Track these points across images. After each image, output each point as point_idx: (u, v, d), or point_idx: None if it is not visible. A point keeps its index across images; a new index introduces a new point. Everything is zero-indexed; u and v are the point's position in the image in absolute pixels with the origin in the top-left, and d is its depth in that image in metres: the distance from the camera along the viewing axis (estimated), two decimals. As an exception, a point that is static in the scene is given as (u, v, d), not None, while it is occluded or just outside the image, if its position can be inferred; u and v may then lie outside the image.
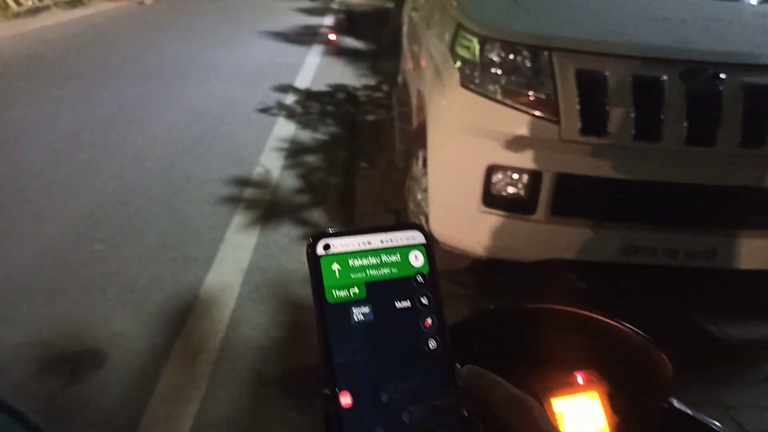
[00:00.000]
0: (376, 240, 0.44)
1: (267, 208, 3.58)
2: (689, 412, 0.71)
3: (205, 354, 2.37)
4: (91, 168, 4.03)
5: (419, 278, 0.44)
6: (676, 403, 0.71)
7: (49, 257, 2.99)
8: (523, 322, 0.76)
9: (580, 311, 0.73)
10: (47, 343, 2.39)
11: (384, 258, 0.43)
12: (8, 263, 2.93)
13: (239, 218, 3.43)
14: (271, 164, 4.20)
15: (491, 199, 2.47)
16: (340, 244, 0.42)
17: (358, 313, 0.41)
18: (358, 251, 0.43)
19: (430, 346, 0.42)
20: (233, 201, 3.63)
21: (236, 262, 2.99)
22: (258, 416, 2.09)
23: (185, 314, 2.61)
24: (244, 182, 3.90)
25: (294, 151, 4.47)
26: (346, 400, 0.39)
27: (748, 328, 2.70)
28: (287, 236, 3.25)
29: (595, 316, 0.72)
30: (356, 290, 0.42)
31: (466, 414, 0.42)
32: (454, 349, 0.43)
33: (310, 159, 4.38)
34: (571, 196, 2.41)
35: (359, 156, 4.44)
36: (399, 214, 3.25)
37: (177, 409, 2.10)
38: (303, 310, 2.64)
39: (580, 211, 2.45)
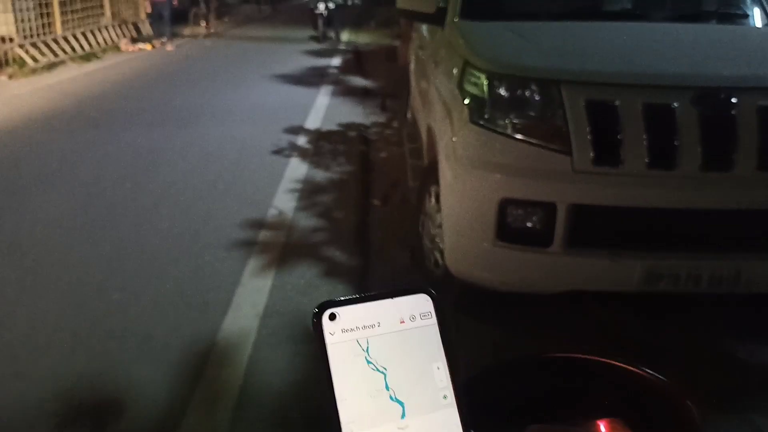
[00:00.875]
0: (383, 307, 0.43)
1: (282, 250, 3.59)
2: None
3: (225, 400, 2.35)
4: (110, 216, 4.08)
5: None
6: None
7: (69, 309, 3.01)
8: (542, 372, 0.74)
9: (603, 360, 0.71)
10: (67, 398, 2.38)
11: (389, 320, 0.43)
12: (29, 317, 2.95)
13: (255, 261, 3.44)
14: (284, 206, 4.22)
15: (506, 233, 2.45)
16: (346, 311, 0.42)
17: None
18: (362, 314, 0.42)
19: (442, 403, 0.42)
20: (248, 244, 3.65)
21: (253, 306, 2.98)
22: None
23: (204, 361, 2.59)
24: (258, 225, 3.92)
25: (307, 192, 4.50)
26: None
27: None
28: (303, 278, 3.25)
29: (617, 364, 0.70)
30: (361, 348, 0.42)
31: None
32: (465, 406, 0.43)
33: (324, 198, 4.40)
34: (588, 227, 2.39)
35: (372, 193, 4.46)
36: (414, 251, 3.24)
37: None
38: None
39: (597, 242, 2.42)
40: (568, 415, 0.71)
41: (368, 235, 3.78)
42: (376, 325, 0.42)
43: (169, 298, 3.08)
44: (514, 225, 2.46)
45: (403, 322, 0.43)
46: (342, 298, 0.42)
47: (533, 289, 2.55)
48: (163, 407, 2.33)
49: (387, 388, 0.41)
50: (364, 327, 0.42)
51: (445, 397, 0.42)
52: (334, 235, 3.78)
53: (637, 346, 0.74)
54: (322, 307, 0.42)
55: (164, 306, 3.01)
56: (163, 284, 3.21)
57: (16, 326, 2.86)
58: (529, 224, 2.44)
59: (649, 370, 0.69)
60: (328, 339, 0.41)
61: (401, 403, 0.41)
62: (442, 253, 2.75)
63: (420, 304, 0.44)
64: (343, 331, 0.42)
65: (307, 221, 4.01)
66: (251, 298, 3.05)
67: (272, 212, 4.13)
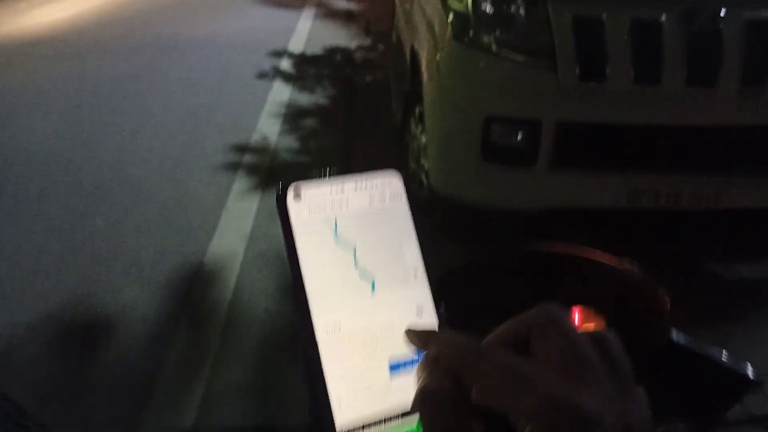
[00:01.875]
0: (351, 186, 0.42)
1: (266, 173, 3.57)
2: (690, 345, 0.71)
3: (214, 320, 2.39)
4: (90, 144, 4.01)
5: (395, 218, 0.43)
6: (675, 336, 0.71)
7: (54, 235, 3.00)
8: (517, 267, 0.75)
9: (575, 252, 0.72)
10: (57, 317, 2.42)
11: (357, 199, 0.42)
12: (14, 242, 2.94)
13: (239, 185, 3.42)
14: (268, 130, 4.16)
15: (491, 151, 2.44)
16: (311, 191, 0.41)
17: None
18: (330, 195, 0.41)
19: (411, 282, 0.42)
20: (232, 169, 3.62)
21: (239, 229, 2.99)
22: (269, 379, 2.11)
23: (191, 282, 2.62)
24: (242, 149, 3.88)
25: (291, 116, 4.43)
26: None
27: (756, 268, 2.70)
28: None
29: (590, 256, 0.72)
30: (329, 233, 0.41)
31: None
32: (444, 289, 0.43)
33: (308, 122, 4.34)
34: (572, 145, 2.38)
35: (356, 117, 4.40)
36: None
37: (188, 376, 2.13)
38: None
39: (581, 159, 2.43)
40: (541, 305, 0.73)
41: (352, 159, 3.75)
42: (344, 204, 0.41)
43: (154, 222, 3.07)
44: (499, 143, 2.44)
45: (372, 201, 0.42)
46: (307, 179, 0.41)
47: (518, 208, 2.57)
48: (153, 327, 2.37)
49: (356, 265, 0.41)
50: (332, 206, 0.41)
51: (415, 274, 0.42)
52: (318, 159, 3.75)
53: (603, 254, 0.75)
54: (286, 186, 0.40)
55: (149, 231, 3.00)
56: (147, 209, 3.19)
57: (1, 252, 2.86)
58: (514, 142, 2.43)
59: (621, 260, 0.70)
60: (294, 219, 0.40)
61: (371, 279, 0.41)
62: (427, 174, 2.74)
63: (389, 184, 0.43)
64: (310, 211, 0.41)
65: (291, 145, 3.96)
66: (237, 222, 3.06)
67: (256, 137, 4.07)
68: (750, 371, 0.67)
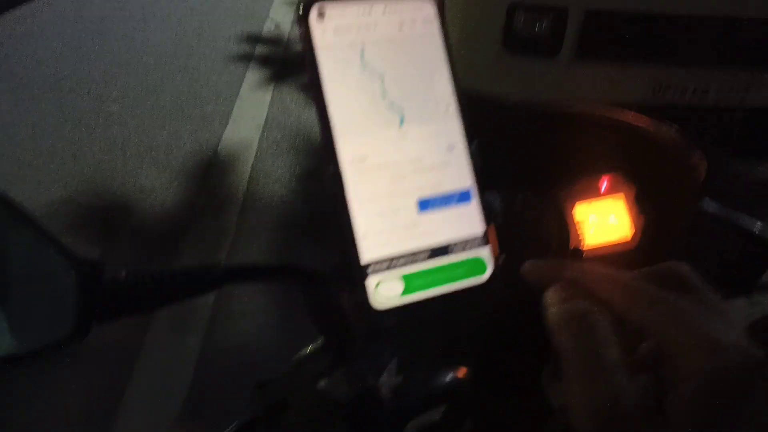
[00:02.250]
0: (380, 8, 0.38)
1: (281, 63, 3.47)
2: (722, 213, 0.68)
3: (230, 205, 2.41)
4: (99, 30, 3.89)
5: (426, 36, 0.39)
6: (707, 204, 0.68)
7: (69, 120, 2.98)
8: (546, 125, 0.71)
9: (606, 112, 0.68)
10: (75, 201, 2.44)
11: (385, 17, 0.38)
12: (29, 127, 2.93)
13: (253, 75, 3.34)
14: (282, 18, 4.01)
15: (513, 40, 2.33)
16: (336, 12, 0.37)
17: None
18: (357, 14, 0.38)
19: (442, 109, 0.39)
20: (246, 58, 3.52)
21: (253, 118, 2.95)
22: (285, 258, 2.15)
23: (207, 170, 2.62)
24: (255, 38, 3.75)
25: (306, 4, 4.25)
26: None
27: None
28: (303, 91, 3.17)
29: (624, 115, 0.68)
30: (354, 53, 0.37)
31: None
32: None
33: (324, 11, 4.16)
34: (599, 35, 2.27)
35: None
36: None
37: (207, 259, 2.16)
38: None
39: (607, 51, 2.32)
40: (570, 172, 0.70)
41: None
42: (372, 28, 0.38)
43: (167, 110, 3.03)
44: (523, 32, 2.33)
45: (403, 26, 0.39)
46: None
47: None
48: (170, 211, 2.39)
49: (384, 94, 0.38)
50: (359, 29, 0.37)
51: (447, 107, 0.39)
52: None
53: (639, 113, 0.70)
54: (309, 3, 0.36)
55: (163, 118, 2.97)
56: (160, 97, 3.14)
57: (17, 136, 2.85)
58: (538, 31, 2.32)
59: (658, 119, 0.67)
60: (317, 41, 0.37)
61: (399, 110, 0.38)
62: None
63: (421, 9, 0.39)
64: (335, 32, 0.37)
65: (305, 34, 3.82)
66: (251, 111, 3.01)
67: (269, 25, 3.93)
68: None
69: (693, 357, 0.28)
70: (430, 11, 0.40)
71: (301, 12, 0.37)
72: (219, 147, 2.75)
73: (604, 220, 0.69)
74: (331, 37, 0.37)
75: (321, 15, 0.37)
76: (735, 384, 0.28)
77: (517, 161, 0.68)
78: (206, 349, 1.80)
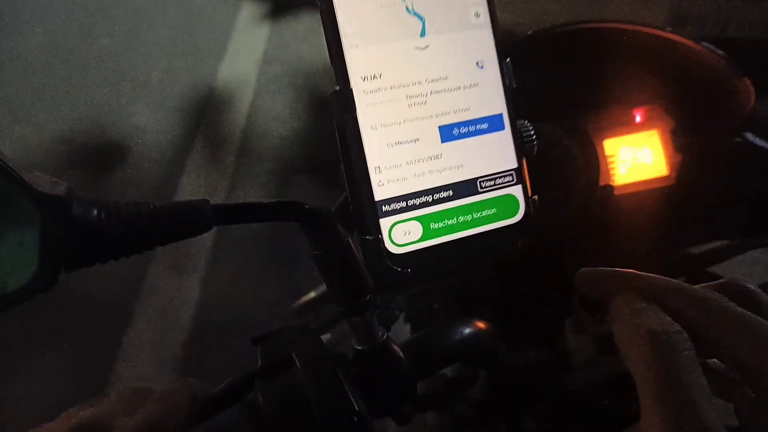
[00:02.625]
0: None
1: (278, -6, 3.32)
2: (766, 147, 0.62)
3: (228, 145, 2.34)
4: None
5: None
6: (751, 137, 0.62)
7: (58, 55, 2.86)
8: (578, 46, 0.64)
9: (647, 29, 0.60)
10: (70, 139, 2.37)
11: None
12: (16, 61, 2.82)
13: (249, 6, 3.20)
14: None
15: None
16: None
17: None
18: None
19: (474, 18, 0.33)
20: (242, -13, 3.37)
21: (251, 53, 2.83)
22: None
23: (203, 107, 2.54)
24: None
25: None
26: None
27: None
28: (301, 23, 3.04)
29: (667, 35, 0.60)
30: None
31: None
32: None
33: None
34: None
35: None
36: None
37: (205, 197, 2.11)
38: (324, 100, 2.55)
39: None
40: (603, 103, 0.63)
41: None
42: None
43: (160, 44, 2.91)
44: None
45: None
46: None
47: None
48: (166, 151, 2.33)
49: None
50: None
51: (477, 14, 0.33)
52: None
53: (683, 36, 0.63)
54: None
55: (156, 53, 2.85)
56: (153, 30, 3.01)
57: (5, 75, 2.75)
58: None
59: (705, 43, 0.59)
60: None
61: (420, 17, 0.31)
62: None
63: None
64: None
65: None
66: (248, 45, 2.89)
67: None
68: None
69: None
70: None
71: None
72: (215, 83, 2.66)
73: (637, 155, 0.63)
74: None
75: None
76: None
77: (539, 88, 0.61)
78: (206, 293, 1.78)
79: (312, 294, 0.61)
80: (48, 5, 3.24)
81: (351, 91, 0.30)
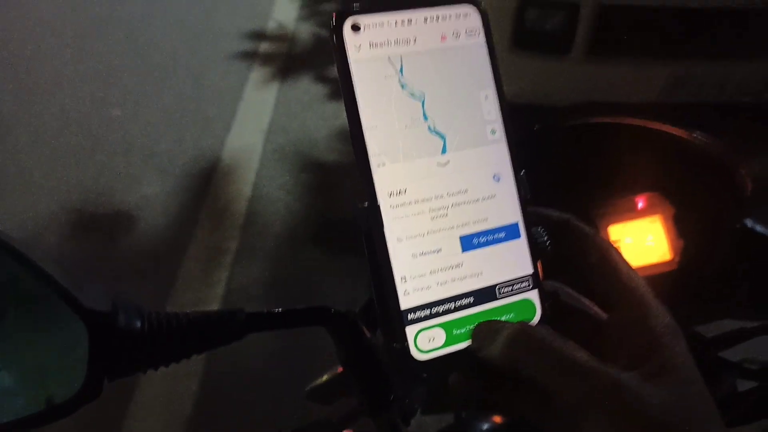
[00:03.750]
0: (419, 18, 0.35)
1: (284, 63, 3.42)
2: (766, 233, 0.64)
3: (234, 214, 2.37)
4: (99, 29, 3.85)
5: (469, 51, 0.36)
6: (750, 223, 0.64)
7: (70, 124, 2.94)
8: (580, 140, 0.67)
9: (648, 124, 0.64)
10: (79, 208, 2.41)
11: (426, 33, 0.35)
12: (30, 131, 2.90)
13: (256, 75, 3.30)
14: (285, 17, 3.96)
15: (523, 38, 2.29)
16: (373, 24, 0.34)
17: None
18: (395, 27, 0.34)
19: (490, 135, 0.36)
20: (249, 58, 3.47)
21: (257, 122, 2.91)
22: (291, 269, 2.11)
23: (210, 176, 2.58)
24: (258, 37, 3.71)
25: (309, 0, 4.21)
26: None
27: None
28: (308, 93, 3.13)
29: (664, 128, 0.64)
30: (392, 74, 0.34)
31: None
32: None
33: (326, 7, 4.12)
34: (612, 31, 2.22)
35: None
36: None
37: (211, 267, 2.13)
38: (329, 168, 2.60)
39: (620, 48, 2.28)
40: (606, 190, 0.66)
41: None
42: (412, 40, 0.34)
43: (169, 114, 3.00)
44: (533, 29, 2.29)
45: (445, 38, 0.35)
46: (367, 3, 0.34)
47: (550, 101, 2.45)
48: (173, 221, 2.35)
49: (425, 116, 0.34)
50: (397, 42, 0.34)
51: (493, 131, 0.36)
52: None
53: (680, 127, 0.66)
54: (343, 14, 0.33)
55: (165, 122, 2.93)
56: (162, 100, 3.10)
57: (18, 141, 2.82)
58: (548, 27, 2.28)
59: (700, 134, 0.63)
60: (352, 55, 0.33)
61: (441, 136, 0.34)
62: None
63: (465, 17, 0.36)
64: (371, 45, 0.33)
65: (310, 32, 3.78)
66: (255, 114, 2.97)
67: (272, 24, 3.88)
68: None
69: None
70: (475, 20, 0.36)
71: (333, 24, 0.33)
72: (222, 152, 2.71)
73: (641, 241, 0.65)
74: (367, 51, 0.34)
75: (356, 28, 0.33)
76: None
77: (545, 178, 0.64)
78: (211, 367, 1.76)
79: (325, 377, 0.62)
80: (61, 75, 3.34)
81: (378, 207, 0.32)
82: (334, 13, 0.33)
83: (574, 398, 0.29)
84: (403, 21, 0.34)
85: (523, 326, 0.33)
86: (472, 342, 0.33)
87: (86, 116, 2.99)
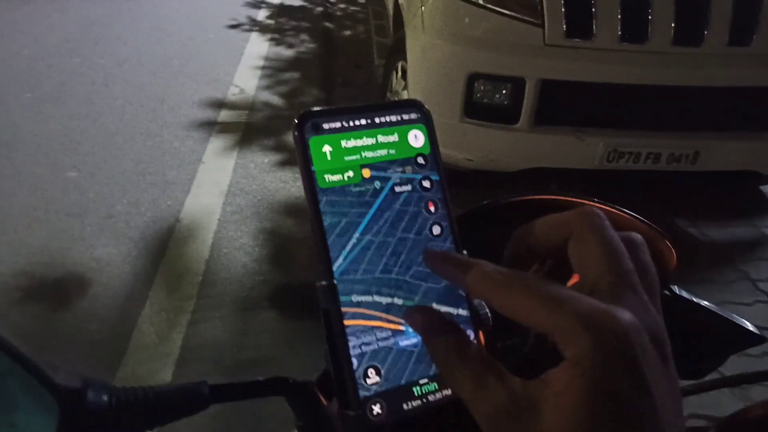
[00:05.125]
0: (371, 118, 0.39)
1: (244, 129, 3.49)
2: (692, 298, 0.70)
3: (191, 276, 2.36)
4: (59, 94, 3.86)
5: (420, 160, 0.40)
6: (677, 290, 0.70)
7: (24, 186, 2.91)
8: (512, 216, 0.73)
9: (578, 200, 0.70)
10: (29, 272, 2.35)
11: (380, 138, 0.39)
12: (-20, 194, 2.84)
13: (216, 140, 3.34)
14: (245, 84, 4.06)
15: (473, 109, 2.42)
16: (331, 123, 0.38)
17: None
18: (351, 131, 0.38)
19: (434, 232, 0.39)
20: (209, 123, 3.53)
21: (216, 184, 2.93)
22: (247, 335, 2.10)
23: (167, 238, 2.57)
24: (219, 104, 3.78)
25: (269, 69, 4.32)
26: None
27: (728, 230, 2.75)
28: (267, 157, 3.18)
29: (593, 204, 0.70)
30: (351, 174, 0.37)
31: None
32: (460, 237, 0.40)
33: (287, 77, 4.24)
34: (555, 103, 2.37)
35: (336, 72, 4.31)
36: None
37: (165, 332, 2.10)
38: (288, 230, 2.63)
39: (563, 119, 2.42)
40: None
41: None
42: (372, 148, 0.39)
43: (127, 176, 2.99)
44: (482, 101, 2.42)
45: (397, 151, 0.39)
46: (325, 108, 0.38)
47: (498, 167, 2.56)
48: (128, 284, 2.32)
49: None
50: (359, 149, 0.38)
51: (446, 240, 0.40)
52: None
53: (608, 204, 0.73)
54: (305, 117, 0.37)
55: (123, 185, 2.93)
56: (121, 163, 3.11)
57: (-32, 204, 2.77)
58: (497, 100, 2.41)
59: (626, 211, 0.69)
60: (314, 157, 0.37)
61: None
62: (408, 130, 2.70)
63: (410, 117, 0.40)
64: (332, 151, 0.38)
65: (269, 100, 3.87)
66: (214, 177, 2.99)
67: (233, 90, 3.97)
68: (752, 326, 0.67)
69: (563, 340, 0.28)
70: (418, 114, 0.40)
71: (297, 122, 0.36)
72: (180, 215, 2.71)
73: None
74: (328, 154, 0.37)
75: (316, 127, 0.37)
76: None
77: (488, 250, 0.69)
78: None
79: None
80: (18, 137, 3.32)
81: (336, 286, 0.36)
82: (296, 117, 0.37)
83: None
84: (356, 121, 0.38)
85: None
86: None
87: (41, 178, 2.97)
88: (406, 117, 0.40)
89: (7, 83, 4.00)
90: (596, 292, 0.30)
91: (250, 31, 5.11)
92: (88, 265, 2.40)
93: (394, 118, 0.39)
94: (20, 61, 4.37)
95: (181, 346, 2.04)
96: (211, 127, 3.48)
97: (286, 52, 4.69)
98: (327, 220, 0.36)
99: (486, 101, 2.43)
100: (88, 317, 2.16)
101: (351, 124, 0.38)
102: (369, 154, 0.38)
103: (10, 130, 3.40)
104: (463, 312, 0.39)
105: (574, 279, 0.35)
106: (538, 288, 0.30)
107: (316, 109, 0.37)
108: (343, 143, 0.38)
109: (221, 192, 2.87)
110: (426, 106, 0.41)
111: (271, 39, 4.95)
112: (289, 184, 2.92)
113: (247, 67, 4.32)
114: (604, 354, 0.27)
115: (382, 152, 0.39)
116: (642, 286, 0.31)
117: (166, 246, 2.53)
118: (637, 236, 0.34)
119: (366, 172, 0.38)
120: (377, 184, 0.38)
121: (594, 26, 2.24)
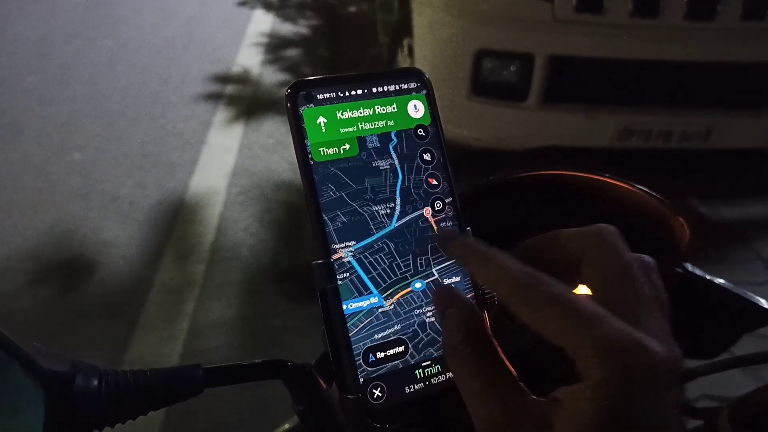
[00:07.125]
0: (369, 88, 0.37)
1: (249, 108, 3.46)
2: (705, 276, 0.68)
3: (197, 257, 2.35)
4: (63, 76, 3.84)
5: (420, 131, 0.38)
6: (690, 267, 0.68)
7: (29, 169, 2.90)
8: (523, 192, 0.70)
9: (589, 175, 0.67)
10: (36, 255, 2.36)
11: (378, 109, 0.36)
12: (-15, 177, 2.84)
13: (221, 120, 3.32)
14: (249, 62, 4.02)
15: (481, 86, 2.38)
16: (326, 94, 0.36)
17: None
18: (347, 102, 0.36)
19: (436, 207, 0.37)
20: (213, 103, 3.50)
21: (221, 165, 2.91)
22: (254, 311, 2.10)
23: (173, 219, 2.57)
24: (222, 81, 3.75)
25: (273, 47, 4.28)
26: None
27: (741, 209, 2.71)
28: (272, 137, 3.16)
29: (604, 179, 0.67)
30: (347, 147, 0.36)
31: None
32: (463, 212, 0.38)
33: (291, 54, 4.19)
34: (565, 80, 2.32)
35: (340, 48, 4.26)
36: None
37: (172, 311, 2.10)
38: (294, 210, 2.61)
39: (573, 96, 2.38)
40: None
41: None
42: (368, 119, 0.37)
43: (132, 158, 2.98)
44: (490, 78, 2.38)
45: (394, 119, 0.37)
46: (320, 77, 0.36)
47: (507, 145, 2.53)
48: (135, 264, 2.32)
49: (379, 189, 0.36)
50: (354, 120, 0.36)
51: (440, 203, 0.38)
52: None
53: (619, 178, 0.71)
54: (297, 87, 0.35)
55: (128, 166, 2.92)
56: (125, 144, 3.09)
57: (-27, 187, 2.76)
58: (505, 77, 2.37)
59: (639, 186, 0.66)
60: (308, 128, 0.35)
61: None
62: (414, 109, 2.67)
63: (410, 87, 0.38)
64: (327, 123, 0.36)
65: (273, 77, 3.84)
66: (219, 158, 2.98)
67: (236, 69, 3.93)
68: (767, 304, 0.65)
69: (588, 362, 0.26)
70: (419, 83, 0.38)
71: (288, 92, 0.35)
72: (185, 196, 2.70)
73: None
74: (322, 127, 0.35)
75: (309, 98, 0.35)
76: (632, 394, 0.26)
77: (485, 233, 0.67)
78: (171, 418, 1.71)
79: (286, 425, 0.63)
80: (23, 119, 3.31)
81: (332, 263, 0.34)
82: (288, 87, 0.35)
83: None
84: (352, 91, 0.36)
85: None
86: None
87: (46, 161, 2.96)
88: (405, 86, 0.38)
89: (10, 65, 3.98)
90: (618, 315, 0.28)
91: (253, 8, 5.05)
92: (95, 248, 2.39)
93: (392, 88, 0.37)
94: (24, 43, 4.34)
95: (188, 328, 2.04)
96: (215, 107, 3.45)
97: (290, 29, 4.64)
98: (322, 196, 0.35)
99: (494, 78, 2.39)
100: (94, 300, 2.17)
101: (347, 94, 0.36)
102: (366, 125, 0.36)
103: (15, 113, 3.39)
104: (467, 288, 0.37)
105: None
106: (568, 299, 0.28)
107: (309, 78, 0.36)
108: (339, 114, 0.36)
109: (226, 173, 2.85)
110: (426, 75, 0.39)
111: (275, 16, 4.89)
112: (295, 165, 2.83)
113: (251, 45, 4.28)
114: (629, 382, 0.26)
115: (380, 123, 0.37)
116: (660, 309, 0.30)
117: (171, 227, 2.52)
118: (650, 259, 0.32)
119: (363, 145, 0.36)
120: (375, 157, 0.36)
121: (604, 0, 2.19)
